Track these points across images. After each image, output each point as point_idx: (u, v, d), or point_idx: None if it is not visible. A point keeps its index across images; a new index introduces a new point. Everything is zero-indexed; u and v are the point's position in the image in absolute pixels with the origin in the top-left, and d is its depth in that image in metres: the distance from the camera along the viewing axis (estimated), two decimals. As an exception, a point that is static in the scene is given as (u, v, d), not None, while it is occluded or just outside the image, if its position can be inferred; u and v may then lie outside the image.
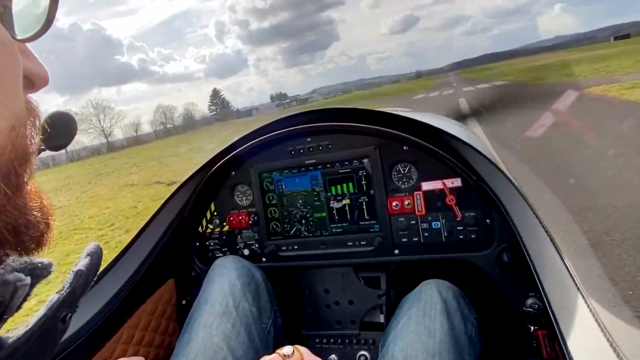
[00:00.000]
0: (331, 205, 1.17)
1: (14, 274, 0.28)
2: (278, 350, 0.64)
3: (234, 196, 1.27)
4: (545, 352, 0.84)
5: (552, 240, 0.75)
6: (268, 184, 1.23)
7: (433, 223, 1.07)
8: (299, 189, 1.20)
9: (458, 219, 1.04)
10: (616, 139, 4.99)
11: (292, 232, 1.22)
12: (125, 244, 1.10)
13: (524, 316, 0.93)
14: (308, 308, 1.23)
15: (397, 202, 1.09)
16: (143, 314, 1.09)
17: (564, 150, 4.90)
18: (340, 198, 1.16)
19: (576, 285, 0.65)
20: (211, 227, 1.30)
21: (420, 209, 1.07)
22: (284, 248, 1.21)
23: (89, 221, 7.31)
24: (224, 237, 1.28)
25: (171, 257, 1.23)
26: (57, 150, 0.45)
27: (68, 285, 0.35)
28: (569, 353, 0.56)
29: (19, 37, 0.31)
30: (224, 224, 1.28)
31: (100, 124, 66.33)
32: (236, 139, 1.19)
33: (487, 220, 1.02)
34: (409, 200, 1.08)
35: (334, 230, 1.18)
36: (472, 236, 1.03)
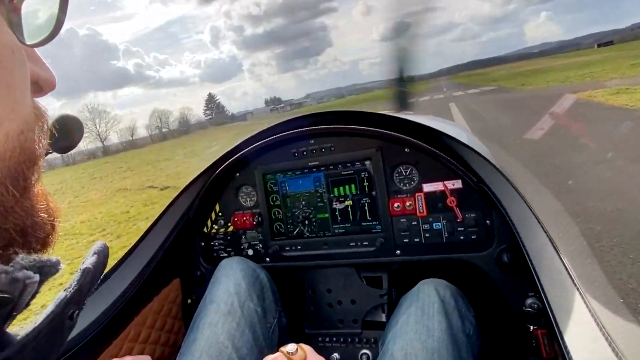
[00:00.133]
0: (334, 206, 1.19)
1: (23, 272, 0.28)
2: (282, 348, 0.64)
3: (238, 197, 1.29)
4: (544, 351, 0.86)
5: (551, 240, 0.77)
6: (272, 185, 1.24)
7: (434, 224, 1.08)
8: (302, 190, 1.21)
9: (459, 220, 1.05)
10: (611, 144, 5.06)
11: (295, 232, 1.24)
12: (130, 246, 1.11)
13: (524, 316, 0.94)
14: (311, 307, 1.24)
15: (398, 204, 1.10)
16: (149, 312, 1.10)
17: (555, 154, 4.99)
18: (342, 199, 1.17)
19: (575, 285, 0.66)
20: (216, 227, 1.31)
21: (421, 210, 1.09)
22: (287, 248, 1.23)
23: (80, 226, 7.18)
24: (229, 238, 1.30)
25: (177, 256, 1.24)
26: (64, 153, 0.45)
27: (75, 282, 0.35)
28: (568, 352, 0.57)
29: (28, 43, 0.31)
30: (229, 224, 1.29)
31: (96, 128, 66.13)
32: (240, 141, 1.20)
33: (487, 221, 1.03)
34: (410, 202, 1.09)
35: (336, 230, 1.19)
36: (473, 237, 1.04)
